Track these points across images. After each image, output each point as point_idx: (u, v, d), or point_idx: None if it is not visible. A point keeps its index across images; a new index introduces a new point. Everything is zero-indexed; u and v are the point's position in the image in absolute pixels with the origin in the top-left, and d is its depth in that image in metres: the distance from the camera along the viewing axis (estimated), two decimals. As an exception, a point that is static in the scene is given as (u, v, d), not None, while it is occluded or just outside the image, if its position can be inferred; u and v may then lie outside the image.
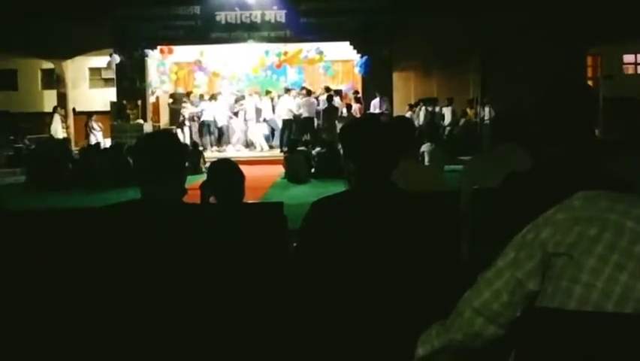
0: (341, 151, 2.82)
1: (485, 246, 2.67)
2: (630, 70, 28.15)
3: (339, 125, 20.73)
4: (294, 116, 21.49)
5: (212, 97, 22.66)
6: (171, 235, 2.57)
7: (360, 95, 22.56)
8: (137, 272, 2.51)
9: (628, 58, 27.96)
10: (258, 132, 22.41)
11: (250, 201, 4.37)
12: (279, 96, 22.63)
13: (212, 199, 4.02)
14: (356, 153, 2.64)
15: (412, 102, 23.33)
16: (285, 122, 21.51)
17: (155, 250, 2.52)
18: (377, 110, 21.15)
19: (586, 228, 1.45)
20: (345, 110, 21.18)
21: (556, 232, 1.50)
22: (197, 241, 2.58)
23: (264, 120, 22.40)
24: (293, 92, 22.25)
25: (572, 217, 1.49)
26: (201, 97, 22.82)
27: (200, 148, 19.64)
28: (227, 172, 4.08)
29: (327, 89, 21.87)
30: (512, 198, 2.46)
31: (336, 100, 21.58)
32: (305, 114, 21.35)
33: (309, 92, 22.02)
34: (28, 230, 3.67)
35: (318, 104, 21.53)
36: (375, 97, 21.48)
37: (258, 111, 22.46)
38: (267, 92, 22.83)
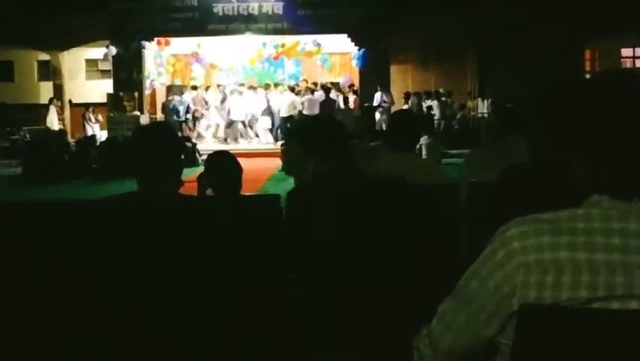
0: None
1: (483, 240, 2.67)
2: (628, 64, 28.07)
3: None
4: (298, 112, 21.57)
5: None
6: (168, 226, 2.56)
7: (356, 87, 22.59)
8: (135, 264, 2.51)
9: (626, 52, 27.93)
10: (263, 125, 22.51)
11: (247, 194, 4.36)
12: (279, 88, 22.59)
13: (209, 191, 4.02)
14: (321, 145, 2.79)
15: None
16: (287, 118, 21.50)
17: (153, 242, 2.52)
18: (379, 103, 21.20)
19: (542, 275, 1.37)
20: (342, 103, 21.18)
21: (515, 288, 1.40)
22: (193, 232, 2.58)
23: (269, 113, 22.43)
24: (299, 86, 22.36)
25: (522, 264, 1.39)
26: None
27: (194, 141, 19.63)
28: (225, 165, 4.07)
29: (326, 88, 21.84)
30: (507, 192, 2.44)
31: (334, 93, 21.56)
32: (306, 112, 21.35)
33: (312, 91, 22.11)
34: (24, 222, 3.65)
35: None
36: (377, 90, 21.45)
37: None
38: (267, 86, 22.87)
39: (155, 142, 2.70)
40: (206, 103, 22.87)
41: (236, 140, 22.41)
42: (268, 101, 22.29)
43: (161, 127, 3.07)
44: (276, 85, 23.02)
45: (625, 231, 1.36)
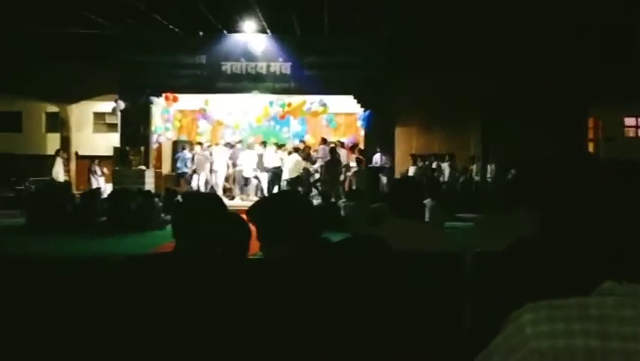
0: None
1: (488, 310, 2.67)
2: (631, 133, 28.33)
3: (341, 178, 20.91)
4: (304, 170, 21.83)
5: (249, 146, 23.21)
6: (205, 288, 2.71)
7: (361, 147, 22.84)
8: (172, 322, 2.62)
9: (629, 121, 28.17)
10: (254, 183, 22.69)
11: (253, 256, 4.37)
12: (288, 153, 22.63)
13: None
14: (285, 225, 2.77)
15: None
16: (294, 179, 21.56)
17: (192, 302, 2.66)
18: (378, 164, 21.34)
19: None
20: (346, 161, 21.41)
21: None
22: (230, 295, 2.69)
23: (265, 169, 22.46)
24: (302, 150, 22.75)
25: (535, 350, 1.38)
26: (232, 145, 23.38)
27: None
28: (233, 226, 4.08)
29: (331, 149, 21.97)
30: (514, 267, 2.45)
31: (339, 153, 21.71)
32: (320, 161, 21.84)
33: (324, 141, 22.64)
34: (41, 278, 3.65)
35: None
36: (377, 152, 21.64)
37: (260, 162, 22.60)
38: (264, 143, 23.07)
39: (210, 211, 3.03)
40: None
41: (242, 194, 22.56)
42: (261, 158, 22.45)
43: (216, 199, 3.39)
44: (283, 145, 23.23)
45: (638, 319, 1.36)
